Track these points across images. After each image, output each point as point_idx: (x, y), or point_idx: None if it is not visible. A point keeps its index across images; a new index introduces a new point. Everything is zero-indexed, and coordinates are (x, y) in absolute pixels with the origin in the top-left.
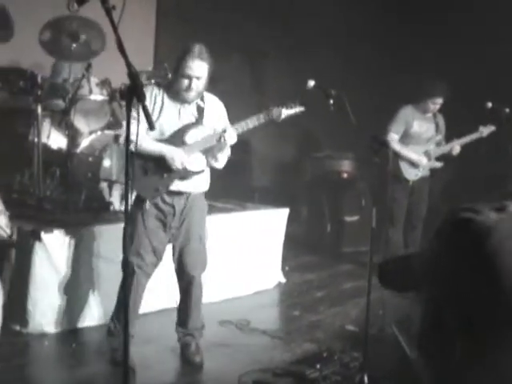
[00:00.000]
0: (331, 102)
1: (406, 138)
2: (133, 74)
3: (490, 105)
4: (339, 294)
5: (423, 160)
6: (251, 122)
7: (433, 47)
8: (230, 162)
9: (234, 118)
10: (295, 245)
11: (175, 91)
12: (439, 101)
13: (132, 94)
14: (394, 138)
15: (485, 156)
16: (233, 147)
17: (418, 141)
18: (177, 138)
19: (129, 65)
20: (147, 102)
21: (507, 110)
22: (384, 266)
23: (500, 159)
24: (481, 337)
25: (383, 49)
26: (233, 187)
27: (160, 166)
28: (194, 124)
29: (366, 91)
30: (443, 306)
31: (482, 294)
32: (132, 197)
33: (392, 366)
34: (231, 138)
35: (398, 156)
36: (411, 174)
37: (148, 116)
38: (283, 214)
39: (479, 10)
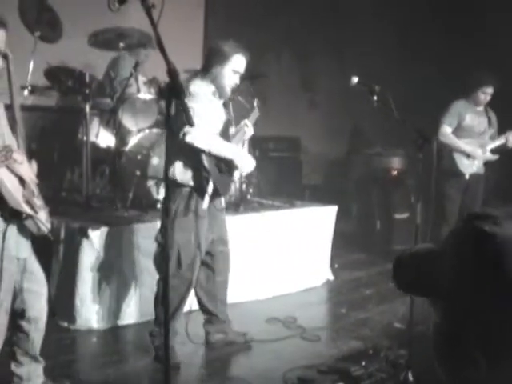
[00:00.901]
0: (375, 98)
1: (458, 131)
2: (172, 72)
3: None
4: (388, 292)
5: (478, 151)
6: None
7: (479, 44)
8: (280, 159)
9: (283, 116)
10: (345, 242)
11: (220, 86)
12: (489, 90)
13: (171, 92)
14: (447, 130)
15: None
16: (283, 145)
17: (471, 134)
18: (225, 135)
19: (168, 62)
20: (203, 96)
21: None
22: (400, 261)
23: None
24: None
25: (431, 46)
26: (283, 185)
27: (229, 165)
28: (229, 120)
29: (413, 88)
30: (462, 319)
31: (503, 311)
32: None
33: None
34: (250, 131)
35: (452, 149)
36: (467, 167)
37: (187, 113)
38: (332, 211)
39: None
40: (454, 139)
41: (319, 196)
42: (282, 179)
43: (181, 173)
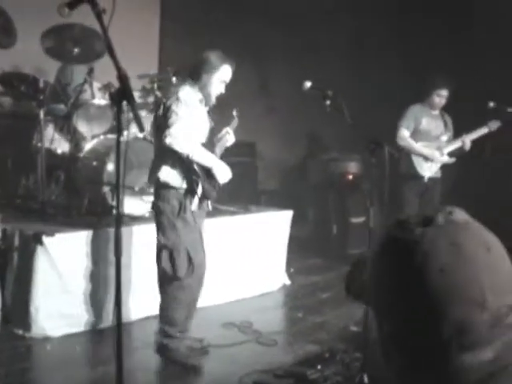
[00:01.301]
0: (328, 102)
1: (415, 134)
2: (122, 77)
3: (492, 104)
4: (344, 296)
5: (436, 154)
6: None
7: (436, 48)
8: (236, 165)
9: (240, 121)
10: (301, 247)
11: (207, 94)
12: (444, 93)
13: (122, 97)
14: (405, 133)
15: (490, 156)
16: (239, 151)
17: (428, 138)
18: (210, 141)
19: (118, 67)
20: (190, 103)
21: (509, 109)
22: (349, 273)
23: (505, 159)
24: (417, 348)
25: (388, 50)
26: (239, 190)
27: (210, 175)
28: (213, 127)
29: (370, 92)
30: (382, 319)
31: (410, 311)
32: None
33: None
34: (232, 138)
35: (410, 152)
36: (426, 170)
37: (138, 118)
38: (287, 216)
39: (481, 11)
40: (413, 142)
41: (276, 201)
42: (238, 184)
43: (172, 175)
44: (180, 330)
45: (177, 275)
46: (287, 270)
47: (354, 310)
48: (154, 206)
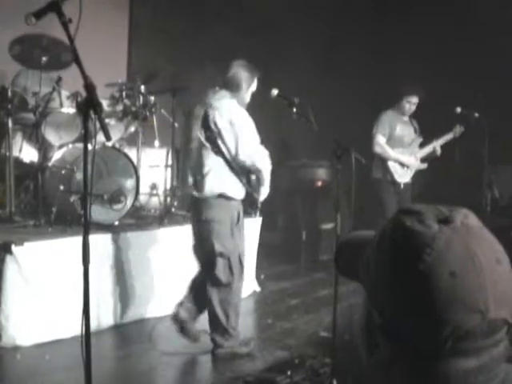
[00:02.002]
0: (294, 110)
1: (390, 141)
2: (89, 86)
3: (459, 110)
4: (314, 302)
5: (412, 160)
6: None
7: (405, 53)
8: None
9: None
10: (271, 253)
11: (242, 105)
12: (414, 100)
13: (88, 107)
14: (382, 140)
15: (460, 161)
16: None
17: (402, 144)
18: None
19: (85, 77)
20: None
21: (476, 114)
22: (341, 247)
23: (475, 163)
24: (408, 345)
25: (358, 58)
26: None
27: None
28: None
29: (340, 99)
30: (374, 309)
31: (411, 307)
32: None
33: (361, 370)
34: None
35: (387, 159)
36: (401, 177)
37: (104, 128)
38: (256, 222)
39: (449, 17)
40: (390, 149)
41: (245, 208)
42: None
43: (232, 187)
44: (233, 328)
45: (231, 281)
46: (257, 277)
47: (323, 316)
48: (206, 215)
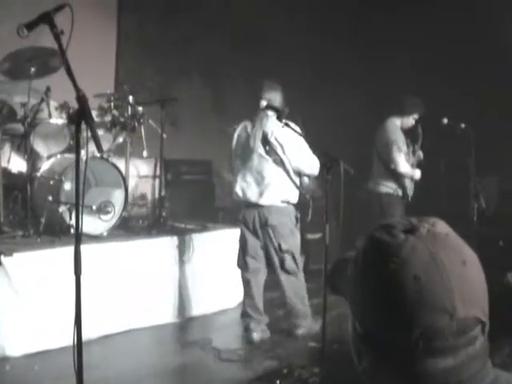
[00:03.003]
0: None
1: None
2: (81, 98)
3: (445, 121)
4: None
5: (418, 173)
6: None
7: (395, 63)
8: (193, 183)
9: (196, 139)
10: None
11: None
12: (417, 116)
13: (80, 118)
14: (404, 159)
15: (445, 171)
16: (195, 169)
17: (408, 157)
18: None
19: (77, 89)
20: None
21: (463, 125)
22: (332, 267)
23: (461, 174)
24: (387, 350)
25: (346, 71)
26: (197, 208)
27: None
28: None
29: (330, 110)
30: (355, 319)
31: (382, 313)
32: None
33: (352, 380)
34: None
35: (407, 177)
36: (411, 190)
37: (96, 139)
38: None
39: (436, 28)
40: (410, 168)
41: (233, 218)
42: (196, 202)
43: (292, 194)
44: (307, 307)
45: (297, 271)
46: None
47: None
48: (271, 220)
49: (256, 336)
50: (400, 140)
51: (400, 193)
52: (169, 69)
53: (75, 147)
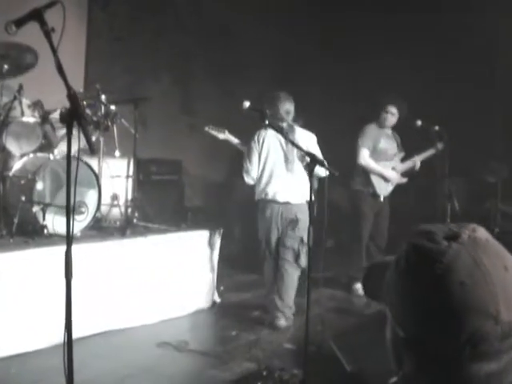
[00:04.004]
0: (266, 122)
1: (374, 154)
2: (72, 97)
3: (419, 123)
4: None
5: (394, 175)
6: None
7: (368, 62)
8: (162, 182)
9: (165, 139)
10: (228, 264)
11: None
12: (393, 110)
13: (72, 117)
14: (366, 153)
15: (418, 173)
16: (165, 168)
17: (386, 157)
18: None
19: (68, 87)
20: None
21: (436, 127)
22: (367, 272)
23: (433, 175)
24: (431, 354)
25: (318, 73)
26: (166, 208)
27: None
28: None
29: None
30: (397, 324)
31: (427, 319)
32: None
33: (331, 381)
34: None
35: (370, 172)
36: (383, 190)
37: (88, 138)
38: (217, 233)
39: (421, 30)
40: (373, 163)
41: (202, 218)
42: (165, 202)
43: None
44: None
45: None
46: (217, 288)
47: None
48: (298, 216)
49: (282, 323)
50: (369, 136)
51: (370, 190)
52: (138, 66)
53: (67, 147)
